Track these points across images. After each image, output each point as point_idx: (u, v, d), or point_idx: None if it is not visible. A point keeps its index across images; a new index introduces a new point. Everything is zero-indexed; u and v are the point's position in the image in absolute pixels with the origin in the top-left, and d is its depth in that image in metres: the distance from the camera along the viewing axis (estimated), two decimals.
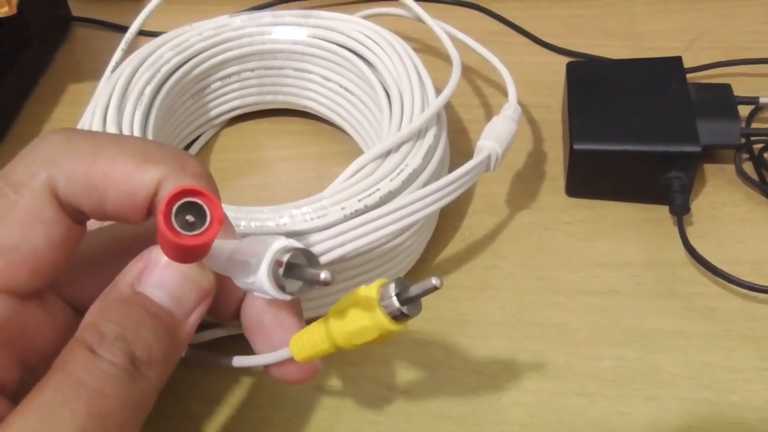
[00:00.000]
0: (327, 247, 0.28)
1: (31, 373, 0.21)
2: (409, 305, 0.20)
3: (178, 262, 0.20)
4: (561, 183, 0.37)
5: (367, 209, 0.29)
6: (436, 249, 0.34)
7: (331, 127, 0.40)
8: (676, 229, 0.34)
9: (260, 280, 0.20)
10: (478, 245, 0.35)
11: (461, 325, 0.32)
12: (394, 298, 0.20)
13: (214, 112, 0.39)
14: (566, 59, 0.43)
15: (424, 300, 0.20)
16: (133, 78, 0.35)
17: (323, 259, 0.27)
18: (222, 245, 0.21)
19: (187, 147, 0.39)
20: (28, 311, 0.21)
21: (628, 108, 0.36)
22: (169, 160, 0.20)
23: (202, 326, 0.24)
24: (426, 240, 0.34)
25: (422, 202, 0.29)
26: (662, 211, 0.35)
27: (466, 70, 0.43)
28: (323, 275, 0.19)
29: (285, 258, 0.20)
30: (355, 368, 0.31)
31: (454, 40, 0.37)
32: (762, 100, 0.38)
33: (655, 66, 0.38)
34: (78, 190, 0.20)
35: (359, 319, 0.21)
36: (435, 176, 0.32)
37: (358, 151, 0.38)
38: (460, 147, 0.39)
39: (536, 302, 0.33)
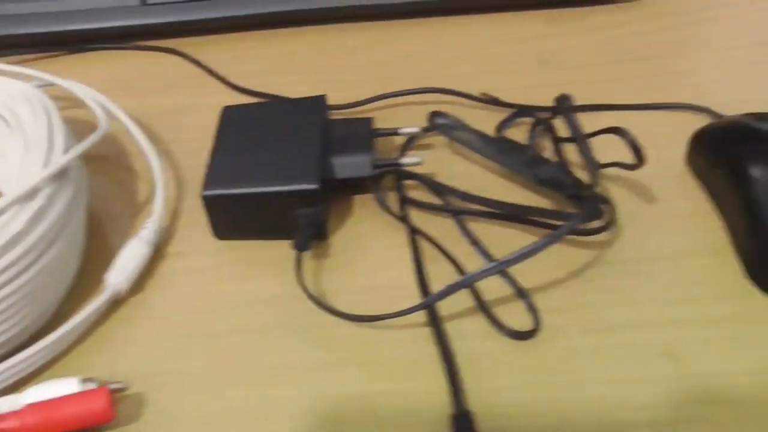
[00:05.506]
0: None
1: None
2: None
3: None
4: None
5: None
6: (73, 303, 0.35)
7: None
8: (316, 264, 0.36)
9: None
10: (119, 298, 0.35)
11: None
12: None
13: None
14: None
15: None
16: None
17: None
18: None
19: None
20: None
21: (264, 150, 0.37)
22: None
23: None
24: (60, 296, 0.34)
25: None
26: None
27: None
28: None
29: None
30: None
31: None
32: (401, 131, 0.40)
33: (300, 106, 0.39)
34: None
35: None
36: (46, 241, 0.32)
37: None
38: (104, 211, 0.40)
39: (164, 351, 0.33)
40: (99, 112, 0.39)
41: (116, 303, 0.35)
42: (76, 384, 0.30)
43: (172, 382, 0.32)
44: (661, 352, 0.31)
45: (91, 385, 0.31)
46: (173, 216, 0.39)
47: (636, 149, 0.34)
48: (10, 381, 0.31)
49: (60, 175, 0.34)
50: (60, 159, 0.34)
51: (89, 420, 0.29)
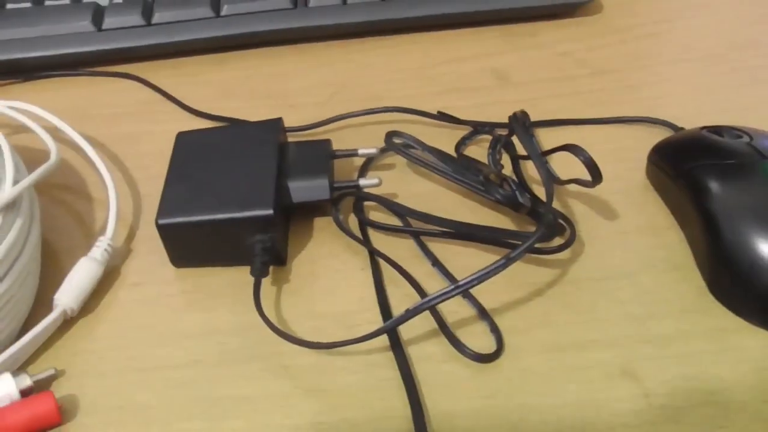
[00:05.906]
0: None
1: None
2: None
3: None
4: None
5: None
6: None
7: None
8: (276, 289, 0.35)
9: None
10: (73, 334, 0.34)
11: None
12: None
13: None
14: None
15: None
16: None
17: None
18: None
19: None
20: None
21: (219, 176, 0.36)
22: None
23: None
24: (15, 328, 0.34)
25: None
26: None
27: None
28: None
29: None
30: None
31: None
32: (360, 152, 0.39)
33: (255, 130, 0.39)
34: None
35: None
36: None
37: None
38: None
39: (120, 384, 0.33)
40: (50, 142, 0.38)
41: (73, 338, 0.34)
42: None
43: (127, 417, 0.31)
44: (622, 372, 0.31)
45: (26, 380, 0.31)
46: (131, 244, 0.38)
47: (591, 167, 0.33)
48: None
49: (9, 208, 0.34)
50: (9, 191, 0.34)
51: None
